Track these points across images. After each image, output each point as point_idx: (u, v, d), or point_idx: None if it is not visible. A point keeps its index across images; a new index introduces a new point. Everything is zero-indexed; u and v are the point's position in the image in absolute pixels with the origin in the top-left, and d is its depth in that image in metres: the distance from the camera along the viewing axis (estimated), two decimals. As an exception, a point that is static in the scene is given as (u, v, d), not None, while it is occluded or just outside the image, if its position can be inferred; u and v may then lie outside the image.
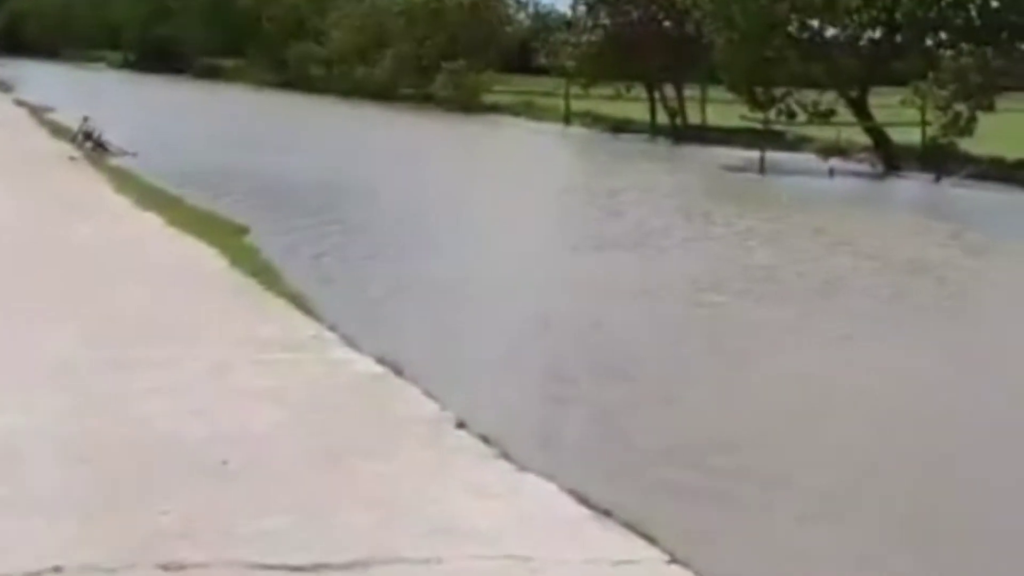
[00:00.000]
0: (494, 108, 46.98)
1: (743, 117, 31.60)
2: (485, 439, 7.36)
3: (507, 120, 44.08)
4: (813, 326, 12.02)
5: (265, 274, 12.46)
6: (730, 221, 19.31)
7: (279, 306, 10.88)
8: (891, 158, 28.87)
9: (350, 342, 9.68)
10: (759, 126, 30.56)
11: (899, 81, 30.08)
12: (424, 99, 48.82)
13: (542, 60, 46.08)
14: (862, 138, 30.05)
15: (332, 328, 10.11)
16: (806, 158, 29.83)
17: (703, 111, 39.03)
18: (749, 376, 10.00)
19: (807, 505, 6.99)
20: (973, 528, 6.81)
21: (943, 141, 27.82)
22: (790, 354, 10.84)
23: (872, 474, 7.59)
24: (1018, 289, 14.78)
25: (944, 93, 27.70)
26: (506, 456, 7.06)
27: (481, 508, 6.15)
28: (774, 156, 28.95)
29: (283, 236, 15.77)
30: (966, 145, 27.79)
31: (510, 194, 22.35)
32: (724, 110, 34.86)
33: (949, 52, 28.51)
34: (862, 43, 31.15)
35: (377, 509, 5.96)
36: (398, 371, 8.86)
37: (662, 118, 38.89)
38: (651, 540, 5.96)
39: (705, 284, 13.89)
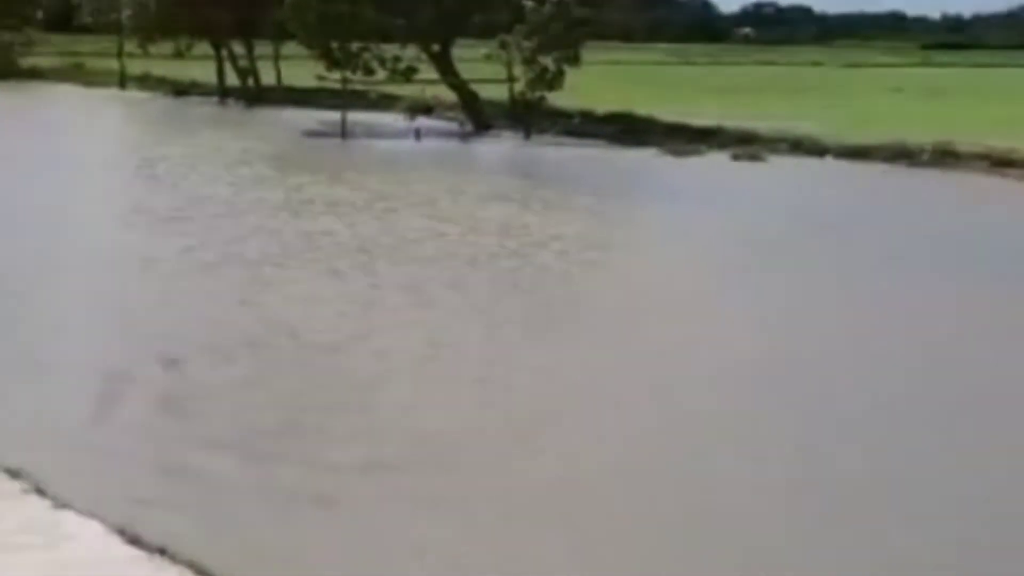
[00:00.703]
0: (35, 73, 44.75)
1: (320, 77, 31.31)
2: (14, 472, 6.68)
3: (52, 87, 41.91)
4: (373, 297, 11.94)
5: None
6: (297, 189, 19.17)
7: None
8: (480, 116, 29.50)
9: None
10: (339, 86, 30.36)
11: (487, 34, 30.67)
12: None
13: (87, 17, 44.07)
14: (452, 95, 30.51)
15: None
16: (393, 119, 29.94)
17: (277, 70, 38.49)
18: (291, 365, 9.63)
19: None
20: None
21: (532, 96, 28.68)
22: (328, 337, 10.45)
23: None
24: (580, 248, 15.17)
25: (529, 45, 28.49)
26: (40, 491, 6.43)
27: (6, 561, 5.52)
28: (358, 117, 28.95)
29: None
30: (557, 99, 28.81)
31: (46, 171, 20.95)
32: (303, 68, 34.42)
33: (531, 3, 29.29)
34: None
35: None
36: (-96, 396, 7.97)
37: (232, 79, 38.10)
38: (215, 579, 5.55)
39: (252, 257, 13.62)
